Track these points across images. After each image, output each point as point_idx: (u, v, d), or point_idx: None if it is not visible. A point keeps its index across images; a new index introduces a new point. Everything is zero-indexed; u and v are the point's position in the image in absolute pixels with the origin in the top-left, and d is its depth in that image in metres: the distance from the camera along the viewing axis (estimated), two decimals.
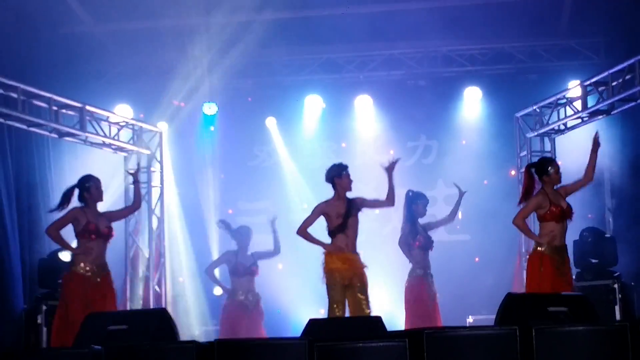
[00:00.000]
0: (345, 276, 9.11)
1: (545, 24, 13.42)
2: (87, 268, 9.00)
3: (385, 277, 12.57)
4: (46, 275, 11.31)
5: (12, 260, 11.45)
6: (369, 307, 9.10)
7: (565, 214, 8.88)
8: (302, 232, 9.33)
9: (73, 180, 9.36)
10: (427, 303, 10.95)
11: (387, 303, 12.83)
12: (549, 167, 9.01)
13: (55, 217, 9.24)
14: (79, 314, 8.66)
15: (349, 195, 9.39)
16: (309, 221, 9.33)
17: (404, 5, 13.21)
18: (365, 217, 13.75)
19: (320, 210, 9.33)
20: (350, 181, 9.33)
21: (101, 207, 9.39)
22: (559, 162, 12.52)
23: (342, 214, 9.22)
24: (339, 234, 9.22)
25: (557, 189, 9.01)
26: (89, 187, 9.17)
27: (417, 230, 11.15)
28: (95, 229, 9.04)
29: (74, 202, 9.20)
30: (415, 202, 11.25)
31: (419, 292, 11.02)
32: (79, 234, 9.08)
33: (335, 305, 9.08)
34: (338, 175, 9.34)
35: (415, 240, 11.10)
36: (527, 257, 9.37)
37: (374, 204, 9.58)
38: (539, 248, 8.90)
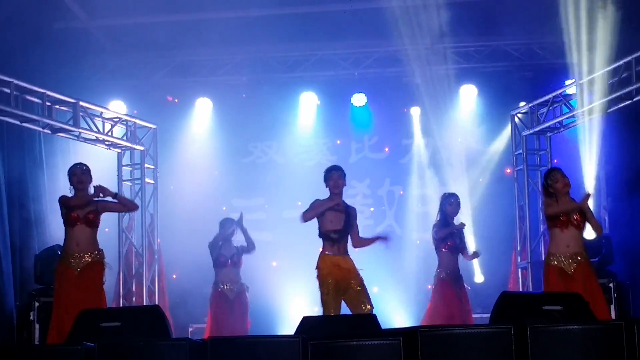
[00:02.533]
0: (339, 281, 9.10)
1: (541, 22, 13.38)
2: (71, 259, 8.93)
3: (379, 275, 12.54)
4: (43, 271, 11.24)
5: (3, 257, 11.40)
6: (369, 303, 9.07)
7: (572, 223, 8.82)
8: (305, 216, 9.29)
9: (65, 176, 9.32)
10: (452, 307, 10.87)
11: (381, 301, 12.81)
12: (548, 179, 9.01)
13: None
14: (65, 307, 8.66)
15: (348, 202, 9.40)
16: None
17: (399, 2, 13.16)
18: (360, 214, 13.75)
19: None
20: (334, 183, 9.28)
21: None
22: (554, 161, 12.65)
23: (338, 220, 9.22)
24: (329, 238, 9.22)
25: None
26: (68, 175, 9.15)
27: (450, 232, 11.09)
28: (76, 217, 8.97)
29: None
30: (449, 201, 11.15)
31: (442, 295, 10.96)
32: (64, 222, 9.04)
33: (328, 306, 9.05)
34: (324, 179, 9.37)
35: (446, 242, 11.02)
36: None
37: (355, 228, 9.45)
38: (550, 258, 8.88)
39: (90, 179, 9.18)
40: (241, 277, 11.63)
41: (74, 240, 8.97)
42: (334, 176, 9.30)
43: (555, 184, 8.91)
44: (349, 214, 9.29)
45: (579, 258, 8.81)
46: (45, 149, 12.90)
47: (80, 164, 9.23)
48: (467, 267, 12.06)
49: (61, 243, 10.35)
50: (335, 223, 9.18)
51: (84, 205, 9.01)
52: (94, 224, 9.07)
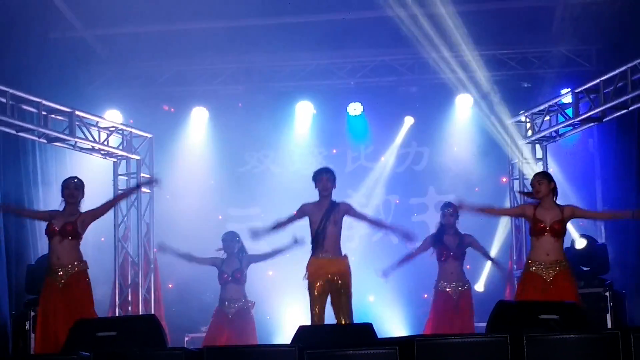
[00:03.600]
0: (323, 283, 9.19)
1: (537, 31, 13.41)
2: (53, 270, 8.91)
3: (376, 283, 12.53)
4: (34, 281, 11.22)
5: None
6: (348, 317, 9.18)
7: (542, 230, 8.73)
8: (274, 223, 9.45)
9: (60, 186, 9.31)
10: (445, 316, 10.85)
11: (377, 310, 12.81)
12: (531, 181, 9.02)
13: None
14: (53, 320, 8.67)
15: (336, 199, 9.44)
16: (291, 217, 9.48)
17: (395, 12, 13.18)
18: (357, 224, 13.74)
19: (303, 209, 9.41)
20: (323, 185, 9.38)
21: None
22: (550, 170, 12.66)
23: (319, 220, 9.31)
24: (319, 238, 9.30)
25: (563, 206, 8.93)
26: (61, 188, 9.15)
27: (439, 241, 11.03)
28: (52, 230, 8.96)
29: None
30: (443, 212, 11.14)
31: (434, 303, 10.98)
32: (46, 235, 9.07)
33: (313, 307, 9.27)
34: (314, 179, 9.49)
35: (441, 252, 10.99)
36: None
37: (359, 216, 9.53)
38: (529, 264, 8.80)
39: (82, 194, 9.16)
40: (245, 293, 11.42)
41: (54, 254, 8.94)
42: (323, 179, 9.40)
43: (533, 188, 8.92)
44: (331, 210, 9.32)
45: (558, 267, 8.72)
46: (40, 158, 12.88)
47: (75, 178, 9.20)
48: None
49: None
50: (314, 225, 9.35)
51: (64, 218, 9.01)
52: (73, 236, 9.01)
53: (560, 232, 8.75)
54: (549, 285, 8.61)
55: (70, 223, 8.94)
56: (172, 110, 14.62)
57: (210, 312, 11.59)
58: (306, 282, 9.36)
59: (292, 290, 12.85)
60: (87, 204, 12.38)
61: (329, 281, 9.22)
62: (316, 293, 9.23)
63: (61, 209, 9.10)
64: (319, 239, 9.31)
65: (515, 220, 12.66)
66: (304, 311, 12.54)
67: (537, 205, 8.86)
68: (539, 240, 8.76)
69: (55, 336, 8.54)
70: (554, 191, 8.90)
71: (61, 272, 8.87)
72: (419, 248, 11.05)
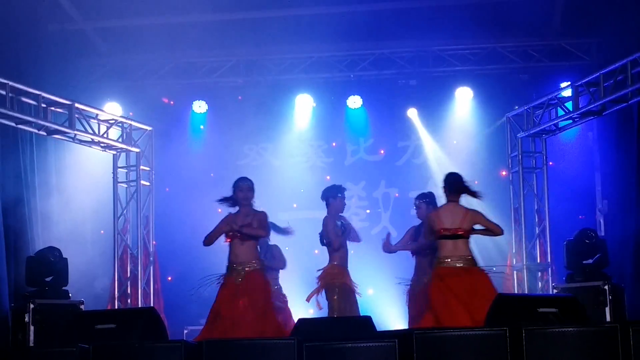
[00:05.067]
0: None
1: (537, 25, 13.40)
2: (233, 269, 8.99)
3: (375, 277, 12.54)
4: (33, 274, 11.21)
5: None
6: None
7: (446, 234, 8.68)
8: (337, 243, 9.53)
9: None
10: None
11: (376, 303, 12.81)
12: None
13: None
14: (218, 313, 8.89)
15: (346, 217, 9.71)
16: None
17: (395, 4, 13.18)
18: (355, 217, 13.79)
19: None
20: (344, 204, 9.51)
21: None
22: (550, 163, 12.69)
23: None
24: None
25: (471, 209, 8.90)
26: (233, 189, 9.19)
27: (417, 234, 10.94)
28: (232, 234, 9.04)
29: None
30: (414, 205, 11.04)
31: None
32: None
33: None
34: (333, 196, 9.48)
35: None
36: None
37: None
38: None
39: (252, 195, 9.18)
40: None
41: (234, 254, 9.02)
42: (341, 198, 9.75)
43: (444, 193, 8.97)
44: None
45: (469, 271, 8.61)
46: (38, 151, 12.86)
47: (247, 179, 9.24)
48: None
49: (54, 244, 10.47)
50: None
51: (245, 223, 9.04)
52: (246, 237, 9.02)
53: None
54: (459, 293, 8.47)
55: (247, 225, 8.99)
56: (172, 103, 14.60)
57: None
58: (309, 279, 9.55)
59: (291, 284, 12.87)
60: (86, 197, 12.43)
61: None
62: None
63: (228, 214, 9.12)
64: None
65: (515, 214, 12.68)
66: (303, 304, 12.59)
67: (445, 208, 8.91)
68: (443, 243, 8.69)
69: (224, 328, 8.70)
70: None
71: (239, 270, 8.92)
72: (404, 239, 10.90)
